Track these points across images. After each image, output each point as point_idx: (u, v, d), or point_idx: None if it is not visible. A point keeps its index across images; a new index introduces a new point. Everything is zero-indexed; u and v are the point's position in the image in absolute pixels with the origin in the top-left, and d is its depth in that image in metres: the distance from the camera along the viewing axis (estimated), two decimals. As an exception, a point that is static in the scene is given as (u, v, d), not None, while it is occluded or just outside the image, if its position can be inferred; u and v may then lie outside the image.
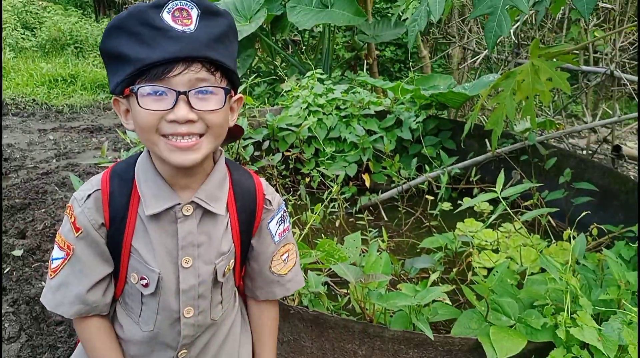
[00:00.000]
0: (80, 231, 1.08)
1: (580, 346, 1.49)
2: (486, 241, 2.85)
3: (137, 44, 0.95)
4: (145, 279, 1.11)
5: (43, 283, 3.12)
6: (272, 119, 3.38)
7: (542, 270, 2.69)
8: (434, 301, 1.64)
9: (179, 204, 1.09)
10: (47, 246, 3.48)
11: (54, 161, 5.36)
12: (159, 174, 1.08)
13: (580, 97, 5.56)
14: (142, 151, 1.12)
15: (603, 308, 1.52)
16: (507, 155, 3.28)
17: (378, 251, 2.11)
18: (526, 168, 3.26)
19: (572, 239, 1.84)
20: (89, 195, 1.09)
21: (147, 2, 0.98)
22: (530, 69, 2.55)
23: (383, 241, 2.09)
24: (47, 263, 3.30)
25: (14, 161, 5.36)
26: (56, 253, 1.11)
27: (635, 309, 1.47)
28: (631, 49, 5.06)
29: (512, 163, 3.27)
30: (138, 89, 0.96)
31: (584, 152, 4.44)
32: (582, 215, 2.27)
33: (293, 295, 1.67)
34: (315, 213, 2.06)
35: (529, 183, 1.83)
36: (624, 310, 1.53)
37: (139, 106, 0.97)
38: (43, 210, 4.17)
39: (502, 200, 1.77)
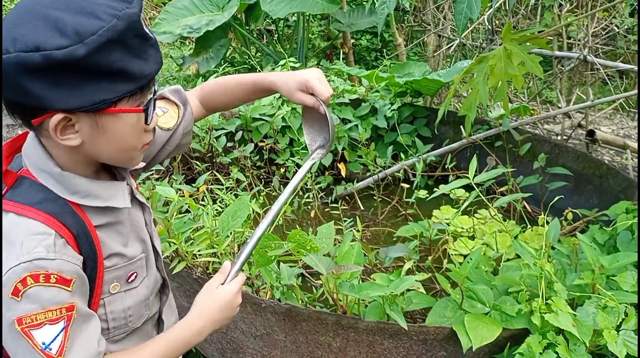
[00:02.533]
0: (73, 281, 0.89)
1: (556, 332, 1.48)
2: (462, 228, 2.84)
3: (133, 57, 0.86)
4: (134, 272, 1.06)
5: None
6: (245, 109, 3.32)
7: (518, 256, 2.69)
8: (408, 290, 1.61)
9: (128, 184, 1.07)
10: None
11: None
12: (84, 176, 0.97)
13: (555, 83, 5.59)
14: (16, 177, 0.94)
15: (578, 293, 1.51)
16: (482, 141, 3.27)
17: (353, 240, 2.09)
18: (501, 153, 3.25)
19: (546, 224, 1.83)
20: (53, 243, 0.89)
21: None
22: (502, 53, 2.53)
23: (358, 231, 2.06)
24: None
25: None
26: (48, 334, 0.87)
27: (610, 293, 1.46)
28: (603, 34, 5.09)
29: (487, 149, 3.26)
30: (149, 108, 0.93)
31: (559, 137, 4.46)
32: (555, 199, 2.27)
33: (265, 288, 1.63)
34: (287, 203, 2.02)
35: (502, 169, 1.81)
36: (599, 294, 1.52)
37: (146, 123, 0.94)
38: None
39: (474, 186, 1.74)
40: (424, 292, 1.54)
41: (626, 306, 1.51)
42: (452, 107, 4.76)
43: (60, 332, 0.88)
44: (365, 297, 1.47)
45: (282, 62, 3.73)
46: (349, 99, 3.54)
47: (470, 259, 1.63)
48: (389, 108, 3.49)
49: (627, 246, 1.83)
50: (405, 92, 3.71)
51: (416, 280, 2.15)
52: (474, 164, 1.81)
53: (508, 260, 2.58)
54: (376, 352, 1.62)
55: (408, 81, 3.48)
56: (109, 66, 0.83)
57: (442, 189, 1.83)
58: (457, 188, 2.94)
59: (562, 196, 2.91)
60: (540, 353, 1.44)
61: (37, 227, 0.89)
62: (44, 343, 0.87)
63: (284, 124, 3.37)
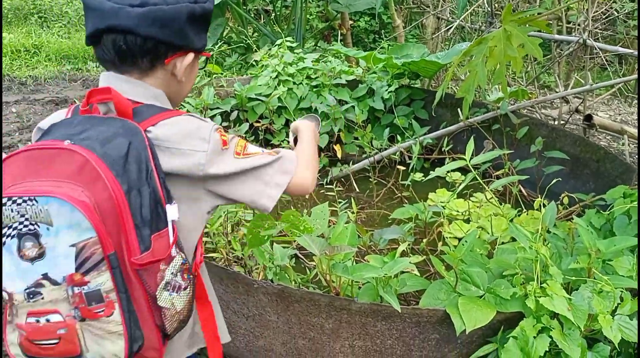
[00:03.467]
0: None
1: (550, 316, 1.46)
2: (457, 211, 2.82)
3: None
4: None
5: None
6: (241, 88, 3.27)
7: (513, 240, 2.68)
8: (402, 272, 1.59)
9: None
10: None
11: (17, 134, 5.17)
12: None
13: (553, 67, 5.54)
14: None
15: (573, 278, 1.49)
16: (479, 124, 3.24)
17: (347, 222, 2.06)
18: (498, 137, 3.22)
19: (542, 208, 1.80)
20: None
21: None
22: (502, 34, 2.48)
23: (352, 212, 2.03)
24: None
25: (-26, 134, 5.15)
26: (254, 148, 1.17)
27: (606, 278, 1.44)
28: (603, 18, 5.03)
29: (484, 132, 3.23)
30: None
31: (556, 122, 4.43)
32: (552, 183, 2.25)
33: (258, 268, 1.60)
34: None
35: (499, 151, 1.78)
36: (595, 278, 1.50)
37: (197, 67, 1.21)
38: (5, 185, 4.02)
39: (471, 168, 1.71)
40: (418, 274, 1.51)
41: (622, 291, 1.50)
42: (450, 89, 4.72)
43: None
44: (358, 278, 1.45)
45: (278, 41, 3.68)
46: (346, 80, 3.50)
47: (465, 242, 1.61)
48: (386, 90, 3.45)
49: (623, 231, 1.81)
50: (403, 74, 3.67)
51: (410, 263, 2.14)
52: (471, 146, 1.78)
53: (503, 243, 2.57)
54: (369, 333, 1.60)
55: (406, 63, 3.44)
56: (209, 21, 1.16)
57: (438, 171, 1.80)
58: (453, 170, 2.92)
59: (559, 180, 2.90)
60: (534, 337, 1.43)
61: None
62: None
63: (280, 104, 3.33)
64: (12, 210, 0.94)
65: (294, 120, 3.30)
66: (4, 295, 0.99)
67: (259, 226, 1.58)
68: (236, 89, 3.27)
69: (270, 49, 3.79)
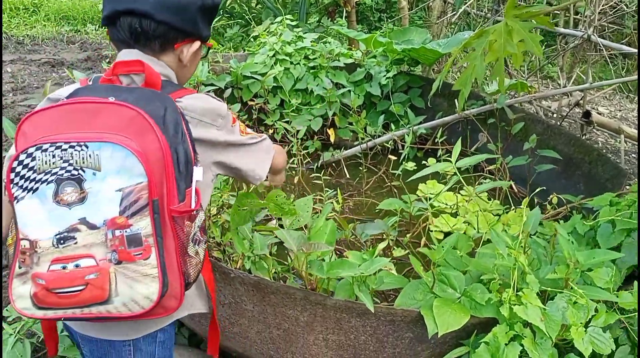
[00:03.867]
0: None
1: (524, 324, 1.46)
2: (446, 205, 2.81)
3: None
4: None
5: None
6: (237, 65, 3.23)
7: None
8: (381, 269, 1.59)
9: None
10: None
11: (10, 95, 5.12)
12: None
13: (557, 59, 5.49)
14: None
15: (549, 288, 1.49)
16: (475, 117, 3.21)
17: (333, 211, 2.05)
18: (493, 130, 3.20)
19: (532, 206, 1.79)
20: None
21: None
22: (503, 29, 2.44)
23: (338, 203, 2.02)
24: None
25: (-33, 93, 5.10)
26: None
27: (581, 291, 1.44)
28: (611, 12, 4.96)
29: (480, 125, 3.20)
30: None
31: (555, 115, 4.39)
32: (537, 190, 2.23)
33: (236, 256, 1.60)
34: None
35: (486, 155, 1.76)
36: (572, 289, 1.50)
37: (201, 55, 1.32)
38: (-4, 146, 3.99)
39: (457, 171, 1.70)
40: (395, 273, 1.51)
41: (597, 303, 1.50)
42: (450, 79, 4.67)
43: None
44: (334, 276, 1.45)
45: (278, 19, 3.62)
46: (344, 64, 3.45)
47: (445, 243, 1.60)
48: (384, 76, 3.41)
49: (606, 240, 1.81)
50: (403, 59, 3.62)
51: (393, 258, 2.14)
52: (457, 148, 1.76)
53: (488, 240, 2.57)
54: (343, 328, 1.61)
55: (406, 49, 3.39)
56: (216, 14, 1.28)
57: (423, 172, 1.78)
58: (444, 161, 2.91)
59: (550, 179, 2.89)
60: (506, 344, 1.43)
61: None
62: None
63: (275, 84, 3.30)
64: (53, 156, 1.00)
65: (289, 101, 3.29)
66: (24, 243, 1.02)
67: (243, 205, 1.57)
68: (232, 66, 3.23)
69: (270, 25, 3.73)
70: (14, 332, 1.93)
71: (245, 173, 1.34)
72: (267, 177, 1.58)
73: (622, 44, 6.95)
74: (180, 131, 1.10)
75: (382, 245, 1.54)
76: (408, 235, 2.09)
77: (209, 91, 3.00)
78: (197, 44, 1.25)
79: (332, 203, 2.03)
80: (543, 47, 5.98)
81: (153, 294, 1.05)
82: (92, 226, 1.01)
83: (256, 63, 3.29)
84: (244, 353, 1.89)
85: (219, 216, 1.81)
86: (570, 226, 1.96)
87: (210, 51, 3.29)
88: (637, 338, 1.60)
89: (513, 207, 2.75)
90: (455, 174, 1.70)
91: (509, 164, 2.89)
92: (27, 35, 6.85)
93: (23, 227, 1.01)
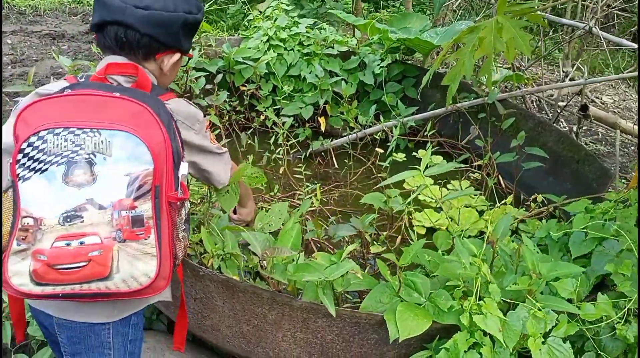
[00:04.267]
0: None
1: (484, 332, 1.48)
2: (431, 199, 2.82)
3: None
4: None
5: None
6: (229, 50, 3.22)
7: (481, 233, 2.69)
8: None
9: None
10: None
11: (9, 67, 5.12)
12: None
13: (563, 46, 5.43)
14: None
15: (509, 299, 1.51)
16: (467, 110, 3.20)
17: (311, 206, 2.07)
18: (485, 124, 3.19)
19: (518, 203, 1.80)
20: None
21: None
22: (494, 26, 2.42)
23: (317, 198, 2.04)
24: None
25: (-34, 64, 5.10)
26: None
27: (539, 305, 1.46)
28: (614, 4, 4.88)
29: (471, 118, 3.19)
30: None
31: (555, 103, 4.32)
32: (528, 187, 2.22)
33: (207, 255, 1.63)
34: (247, 163, 1.99)
35: (453, 164, 1.77)
36: (535, 300, 1.52)
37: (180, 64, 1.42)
38: (-9, 122, 4.01)
39: (424, 178, 1.70)
40: (361, 278, 1.53)
41: (560, 314, 1.52)
42: (444, 69, 4.63)
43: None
44: (299, 279, 1.47)
45: (273, 3, 3.59)
46: (339, 51, 3.43)
47: (411, 250, 1.62)
48: (379, 64, 3.39)
49: (578, 247, 1.82)
50: (399, 48, 3.60)
51: (369, 255, 2.17)
52: (427, 155, 1.76)
53: (470, 236, 2.59)
54: (310, 328, 1.64)
55: (401, 39, 3.36)
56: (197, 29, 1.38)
57: (395, 178, 1.78)
58: (434, 153, 2.91)
59: (538, 176, 2.89)
60: (465, 352, 1.46)
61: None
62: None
63: (268, 70, 3.29)
64: (65, 139, 1.08)
65: (281, 88, 3.28)
66: (26, 221, 1.09)
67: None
68: (224, 51, 3.22)
69: (267, 9, 3.70)
70: (-6, 315, 1.98)
71: (212, 176, 1.51)
72: (235, 211, 1.84)
73: (631, 31, 6.84)
74: (172, 129, 1.21)
75: (349, 248, 1.55)
76: (385, 233, 2.10)
77: (199, 77, 3.00)
78: (177, 55, 1.36)
79: (310, 198, 2.05)
80: (549, 32, 5.91)
81: (151, 271, 1.15)
82: (100, 207, 1.09)
83: (249, 48, 3.28)
84: (218, 345, 1.94)
85: (193, 214, 1.83)
86: (545, 231, 1.98)
87: (204, 34, 3.28)
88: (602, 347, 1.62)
89: (498, 204, 2.76)
90: (424, 185, 1.70)
91: (496, 159, 2.89)
92: (29, 5, 6.82)
93: (27, 205, 1.08)
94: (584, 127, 4.54)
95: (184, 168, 1.24)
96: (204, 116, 1.42)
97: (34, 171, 1.08)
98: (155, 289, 1.19)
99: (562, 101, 4.55)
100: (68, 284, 1.11)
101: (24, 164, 1.08)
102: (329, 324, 1.61)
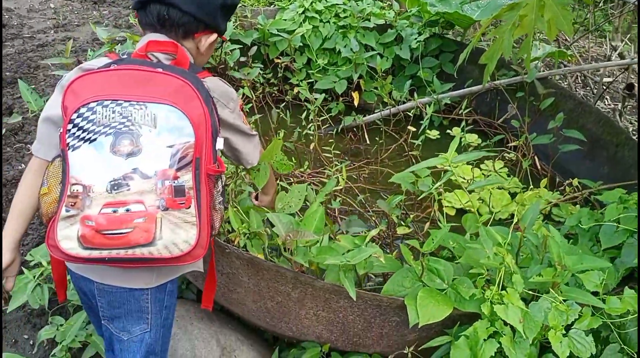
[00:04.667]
0: None
1: (505, 322, 1.49)
2: (463, 179, 2.79)
3: None
4: None
5: (23, 165, 3.15)
6: (264, 22, 3.21)
7: (512, 216, 2.66)
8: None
9: None
10: (30, 128, 3.48)
11: (52, 32, 5.22)
12: None
13: (613, 19, 5.21)
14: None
15: (530, 293, 1.50)
16: (505, 88, 3.13)
17: (337, 185, 2.07)
18: (523, 103, 3.11)
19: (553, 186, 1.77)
20: None
21: None
22: (535, 3, 2.34)
23: (343, 178, 2.04)
24: (28, 146, 3.32)
25: (11, 28, 5.23)
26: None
27: (562, 297, 1.45)
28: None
29: (509, 96, 3.12)
30: None
31: (605, 79, 4.15)
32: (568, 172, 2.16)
33: (234, 233, 1.66)
34: (278, 138, 2.01)
35: (480, 153, 1.73)
36: (560, 291, 1.50)
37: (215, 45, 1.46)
38: (33, 86, 4.13)
39: (450, 168, 1.68)
40: (384, 262, 1.54)
41: (583, 307, 1.51)
42: (485, 45, 4.50)
43: None
44: (321, 262, 1.49)
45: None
46: (375, 24, 3.37)
47: (435, 237, 1.62)
48: (416, 38, 3.33)
49: (608, 238, 1.79)
50: (437, 21, 3.51)
51: (396, 237, 2.17)
52: (455, 143, 1.73)
53: (500, 220, 2.57)
54: (332, 307, 1.67)
55: (439, 12, 3.28)
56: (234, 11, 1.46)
57: (419, 165, 1.76)
58: (469, 131, 2.87)
59: (575, 159, 2.83)
60: (485, 340, 1.47)
61: None
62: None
63: (303, 42, 3.27)
64: (113, 111, 1.14)
65: (316, 61, 3.26)
66: (76, 188, 1.15)
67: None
68: (260, 22, 3.21)
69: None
70: (34, 278, 2.07)
71: (242, 156, 1.56)
72: (257, 197, 1.88)
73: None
74: (210, 104, 1.26)
75: (373, 232, 1.57)
76: (412, 215, 2.09)
77: (234, 49, 3.00)
78: (214, 35, 1.40)
79: (336, 178, 2.06)
80: (599, 3, 5.67)
81: (191, 238, 1.20)
82: (145, 176, 1.15)
83: (284, 20, 3.26)
84: (243, 318, 1.99)
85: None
86: (576, 220, 1.94)
87: (240, 4, 3.27)
88: (628, 340, 1.60)
89: (532, 186, 2.72)
90: (450, 170, 1.68)
91: (533, 141, 2.83)
92: (72, -31, 6.88)
93: (77, 173, 1.15)
94: (628, 107, 4.38)
95: (219, 143, 1.29)
96: (238, 90, 1.46)
97: (83, 141, 1.14)
98: (193, 256, 1.25)
99: (608, 76, 4.39)
100: (114, 248, 1.17)
101: (73, 134, 1.14)
102: (350, 305, 1.64)
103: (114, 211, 1.15)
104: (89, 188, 1.15)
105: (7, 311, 2.20)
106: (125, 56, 1.31)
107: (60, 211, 1.17)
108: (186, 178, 1.18)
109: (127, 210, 1.15)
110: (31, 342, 2.21)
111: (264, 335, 2.21)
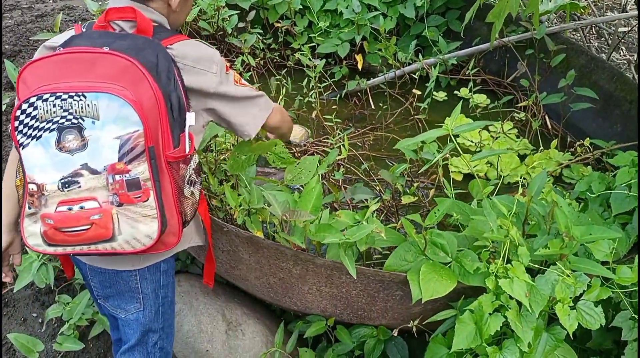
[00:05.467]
0: None
1: (510, 295, 1.45)
2: (471, 142, 2.72)
3: None
4: None
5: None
6: (263, -16, 3.09)
7: (523, 180, 2.59)
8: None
9: None
10: (31, 103, 3.42)
11: (51, 1, 5.12)
12: None
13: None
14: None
15: (540, 263, 1.45)
16: (514, 45, 3.01)
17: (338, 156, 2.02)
18: (533, 60, 3.00)
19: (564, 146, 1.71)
20: None
21: None
22: (544, -44, 2.23)
23: (345, 148, 1.98)
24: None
25: (8, -1, 5.13)
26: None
27: (570, 268, 1.40)
28: None
29: (518, 54, 3.00)
30: None
31: (620, 29, 3.98)
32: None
33: (230, 207, 1.62)
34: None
35: (483, 122, 1.65)
36: (569, 262, 1.46)
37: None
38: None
39: (452, 137, 1.61)
40: (385, 237, 1.50)
41: (592, 278, 1.46)
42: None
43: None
44: (320, 240, 1.46)
45: None
46: (378, -19, 3.24)
47: (438, 210, 1.57)
48: (420, -5, 3.19)
49: (619, 204, 1.73)
50: (444, -24, 3.36)
51: (400, 205, 2.12)
52: (457, 111, 1.66)
53: (509, 184, 2.50)
54: (334, 283, 1.64)
55: (445, -33, 3.14)
56: None
57: (419, 137, 1.69)
58: (476, 91, 2.78)
59: (587, 117, 2.74)
60: (490, 314, 1.43)
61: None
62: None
63: (303, 4, 3.16)
64: (54, 105, 1.07)
65: (317, 23, 3.16)
66: (31, 186, 1.12)
67: (243, 153, 1.58)
68: (258, -15, 3.10)
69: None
70: (38, 258, 2.07)
71: (234, 127, 1.37)
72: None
73: None
74: (172, 78, 1.15)
75: (373, 207, 1.52)
76: (417, 184, 2.04)
77: (231, 14, 2.91)
78: None
79: (339, 147, 2.01)
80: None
81: (153, 233, 1.16)
82: (94, 171, 1.10)
83: (283, -19, 3.14)
84: (248, 292, 1.98)
85: (219, 163, 1.82)
86: (586, 184, 1.88)
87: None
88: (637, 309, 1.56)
89: (542, 147, 2.64)
90: (451, 141, 1.61)
91: (542, 100, 2.74)
92: None
93: (30, 172, 1.11)
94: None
95: (190, 119, 1.20)
96: (237, 58, 1.35)
97: (30, 138, 1.09)
98: (167, 244, 1.23)
99: (624, 26, 4.21)
100: (77, 245, 1.16)
101: (21, 131, 1.09)
102: (352, 281, 1.61)
103: (69, 209, 1.12)
104: (42, 187, 1.11)
105: (14, 291, 2.21)
106: (85, 29, 1.23)
107: (24, 208, 1.16)
108: (140, 170, 1.12)
109: (82, 207, 1.12)
110: (40, 320, 2.23)
111: (271, 307, 2.21)
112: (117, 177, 1.11)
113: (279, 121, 1.46)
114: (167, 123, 1.15)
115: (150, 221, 1.16)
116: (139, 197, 1.13)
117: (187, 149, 1.20)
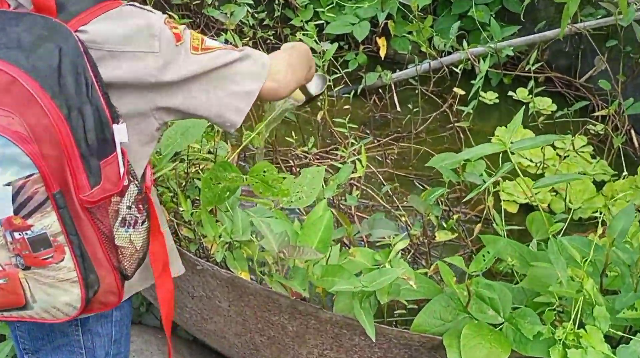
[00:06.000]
0: None
1: (582, 370, 1.46)
2: (530, 161, 2.76)
3: None
4: None
5: None
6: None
7: (600, 213, 2.62)
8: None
9: None
10: None
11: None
12: None
13: None
14: None
15: (619, 333, 1.47)
16: (591, 33, 3.06)
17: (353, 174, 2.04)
18: (616, 55, 3.05)
19: None
20: None
21: None
22: None
23: (361, 164, 2.01)
24: None
25: None
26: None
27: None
28: None
29: (596, 45, 3.05)
30: None
31: None
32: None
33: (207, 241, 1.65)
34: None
35: (553, 137, 1.68)
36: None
37: None
38: None
39: (511, 157, 1.64)
40: (414, 287, 1.52)
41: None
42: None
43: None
44: (327, 287, 1.48)
45: None
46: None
47: (487, 253, 1.59)
48: (468, -38, 3.26)
49: None
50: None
51: (432, 244, 2.15)
52: (517, 120, 1.68)
53: (581, 220, 2.53)
54: (343, 346, 1.66)
55: None
56: None
57: (464, 155, 1.72)
58: (536, 94, 2.82)
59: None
60: (553, 396, 1.45)
61: None
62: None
63: (309, -31, 3.22)
64: None
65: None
66: None
67: (219, 178, 1.60)
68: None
69: None
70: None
71: (210, 120, 1.32)
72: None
73: None
74: (83, 83, 1.09)
75: (400, 245, 1.54)
76: (457, 215, 2.07)
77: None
78: None
79: (353, 162, 2.04)
80: None
81: (75, 301, 1.16)
82: None
83: None
84: (224, 354, 1.99)
85: (189, 184, 1.85)
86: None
87: None
88: None
89: (625, 173, 2.67)
90: (509, 161, 1.64)
91: (627, 109, 2.78)
92: None
93: None
94: None
95: (120, 133, 1.14)
96: (219, 36, 1.29)
97: None
98: (107, 304, 1.24)
99: None
100: None
101: None
102: (369, 344, 1.63)
103: None
104: None
105: None
106: None
107: None
108: (46, 223, 1.08)
109: None
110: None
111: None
112: (17, 235, 1.09)
113: (281, 79, 1.35)
114: (77, 156, 1.09)
115: (70, 287, 1.15)
116: (49, 258, 1.11)
117: (121, 179, 1.16)
